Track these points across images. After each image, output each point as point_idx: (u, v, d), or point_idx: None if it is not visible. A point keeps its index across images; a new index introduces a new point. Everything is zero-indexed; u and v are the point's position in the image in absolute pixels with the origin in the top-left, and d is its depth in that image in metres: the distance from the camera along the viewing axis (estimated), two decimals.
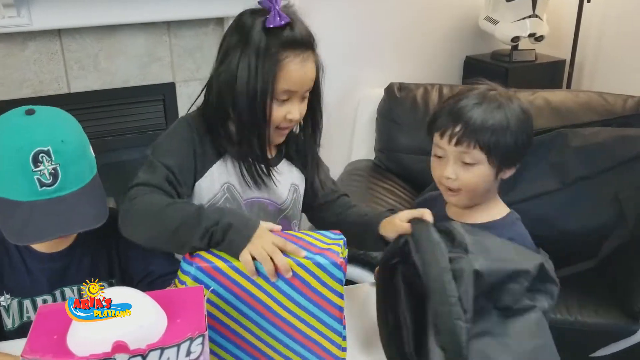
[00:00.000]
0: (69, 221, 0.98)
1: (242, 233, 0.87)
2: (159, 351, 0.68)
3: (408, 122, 2.14)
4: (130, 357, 0.67)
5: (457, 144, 1.05)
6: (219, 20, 2.03)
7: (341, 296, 0.88)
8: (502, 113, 1.05)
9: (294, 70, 1.01)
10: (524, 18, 2.31)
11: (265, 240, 0.87)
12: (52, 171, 0.96)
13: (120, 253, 1.16)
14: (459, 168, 1.06)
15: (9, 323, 1.09)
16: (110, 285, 1.14)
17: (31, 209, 0.96)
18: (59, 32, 1.88)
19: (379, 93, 2.27)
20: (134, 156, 2.21)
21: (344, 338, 0.93)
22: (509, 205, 1.65)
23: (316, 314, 0.88)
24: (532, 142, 1.10)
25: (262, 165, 1.10)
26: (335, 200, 1.22)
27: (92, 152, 1.07)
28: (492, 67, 2.46)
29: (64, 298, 1.10)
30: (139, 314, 0.71)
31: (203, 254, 0.88)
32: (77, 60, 1.94)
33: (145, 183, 0.99)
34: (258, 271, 0.86)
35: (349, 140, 2.44)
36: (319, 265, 0.86)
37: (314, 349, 0.91)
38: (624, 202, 1.67)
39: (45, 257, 1.09)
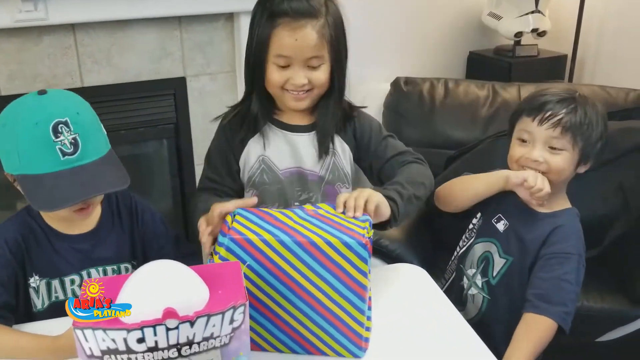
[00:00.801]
0: (94, 185, 1.01)
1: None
2: (205, 318, 0.72)
3: (414, 115, 2.18)
4: (179, 323, 0.70)
5: (550, 127, 1.12)
6: (230, 16, 2.06)
7: (365, 275, 0.92)
8: (593, 111, 1.14)
9: (285, 37, 1.09)
10: (526, 14, 2.35)
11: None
12: (72, 141, 0.99)
13: (140, 236, 1.20)
14: (546, 152, 1.14)
15: (38, 304, 1.12)
16: (133, 266, 1.18)
17: (56, 179, 0.98)
18: (73, 27, 1.90)
19: (385, 88, 2.31)
20: (146, 150, 2.25)
21: (369, 318, 0.97)
22: None
23: (341, 290, 0.92)
24: (606, 145, 1.19)
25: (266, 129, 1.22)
26: (390, 160, 1.23)
27: (105, 130, 1.10)
28: (495, 62, 2.51)
29: (90, 278, 1.13)
30: (185, 285, 0.75)
31: (237, 226, 0.92)
32: (90, 55, 1.96)
33: (197, 190, 1.27)
34: (287, 246, 0.90)
35: None
36: (345, 244, 0.89)
37: (338, 325, 0.95)
38: (628, 191, 1.72)
39: (71, 238, 1.12)
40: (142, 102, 2.10)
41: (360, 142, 1.24)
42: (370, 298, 0.97)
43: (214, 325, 0.73)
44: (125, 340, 0.70)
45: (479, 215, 1.29)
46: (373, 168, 1.25)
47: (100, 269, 1.14)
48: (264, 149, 1.21)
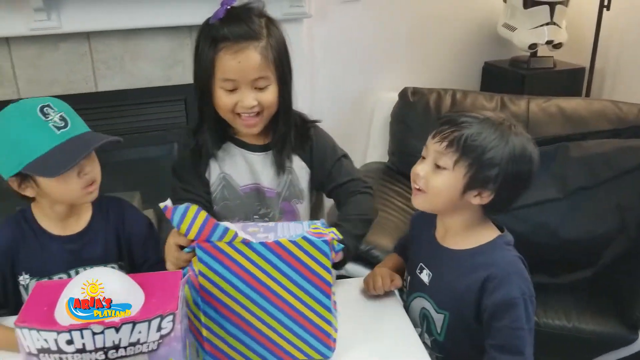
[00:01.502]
0: (95, 141, 1.09)
1: None
2: (131, 325, 0.76)
3: (420, 126, 2.18)
4: (104, 329, 0.75)
5: (438, 141, 1.04)
6: None
7: (329, 271, 0.95)
8: (496, 135, 1.02)
9: (228, 61, 1.12)
10: (541, 25, 2.31)
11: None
12: (61, 117, 1.07)
13: (126, 238, 1.25)
14: (430, 169, 1.05)
15: None
16: (120, 267, 1.24)
17: (59, 150, 1.05)
18: (87, 35, 2.00)
19: (394, 97, 2.32)
20: (157, 153, 2.32)
21: (335, 316, 0.99)
22: (509, 211, 1.68)
23: (307, 288, 0.96)
24: (520, 184, 1.06)
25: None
26: (342, 185, 1.27)
27: None
28: (510, 73, 2.48)
29: None
30: (119, 292, 0.79)
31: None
32: (104, 62, 2.05)
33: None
34: (253, 247, 0.93)
35: (364, 142, 2.50)
36: (309, 241, 0.94)
37: (308, 326, 0.98)
38: (626, 211, 1.68)
39: (62, 239, 1.19)
40: (153, 107, 2.18)
41: (316, 161, 1.28)
42: (335, 302, 0.99)
43: (140, 332, 0.77)
44: (56, 341, 0.75)
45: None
46: (325, 187, 1.30)
47: (88, 268, 1.19)
48: (225, 167, 1.26)
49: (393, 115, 2.29)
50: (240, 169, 1.26)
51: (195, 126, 1.26)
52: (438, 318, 1.12)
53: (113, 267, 1.22)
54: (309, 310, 0.97)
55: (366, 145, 2.48)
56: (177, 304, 0.80)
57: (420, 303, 1.15)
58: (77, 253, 1.19)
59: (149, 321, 0.77)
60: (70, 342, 0.75)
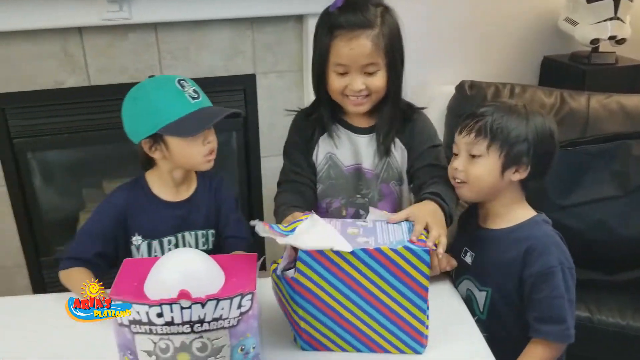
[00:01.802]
0: (222, 111, 1.21)
1: None
2: (215, 301, 0.82)
3: None
4: (191, 304, 0.81)
5: (466, 134, 1.13)
6: (299, 18, 2.16)
7: (427, 277, 0.97)
8: (515, 116, 1.11)
9: (341, 47, 1.19)
10: (604, 20, 2.26)
11: None
12: (194, 90, 1.21)
13: (216, 209, 1.35)
14: (466, 161, 1.14)
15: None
16: (212, 235, 1.34)
17: (194, 115, 1.17)
18: (155, 26, 2.08)
19: (451, 90, 2.32)
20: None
21: (428, 317, 1.03)
22: (566, 207, 1.68)
23: (404, 292, 0.98)
24: (552, 156, 1.16)
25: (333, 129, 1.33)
26: (429, 166, 1.30)
27: None
28: (569, 68, 2.43)
29: (184, 240, 1.31)
30: (203, 271, 0.85)
31: None
32: (169, 52, 2.14)
33: (279, 183, 1.38)
34: (355, 254, 0.96)
35: None
36: (411, 250, 0.95)
37: (401, 324, 1.01)
38: None
39: (171, 205, 1.30)
40: (214, 96, 2.19)
41: (415, 142, 1.32)
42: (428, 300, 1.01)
43: (222, 308, 0.83)
44: (147, 313, 0.82)
45: None
46: (413, 167, 1.33)
47: (193, 233, 1.31)
48: (332, 147, 1.34)
49: (449, 109, 2.29)
50: (345, 149, 1.34)
51: (311, 107, 1.35)
52: (480, 296, 1.18)
53: (212, 233, 1.34)
54: (404, 311, 0.99)
55: None
56: (256, 285, 0.86)
57: (466, 285, 1.22)
58: (184, 218, 1.30)
59: (231, 299, 0.83)
60: (160, 315, 0.81)
